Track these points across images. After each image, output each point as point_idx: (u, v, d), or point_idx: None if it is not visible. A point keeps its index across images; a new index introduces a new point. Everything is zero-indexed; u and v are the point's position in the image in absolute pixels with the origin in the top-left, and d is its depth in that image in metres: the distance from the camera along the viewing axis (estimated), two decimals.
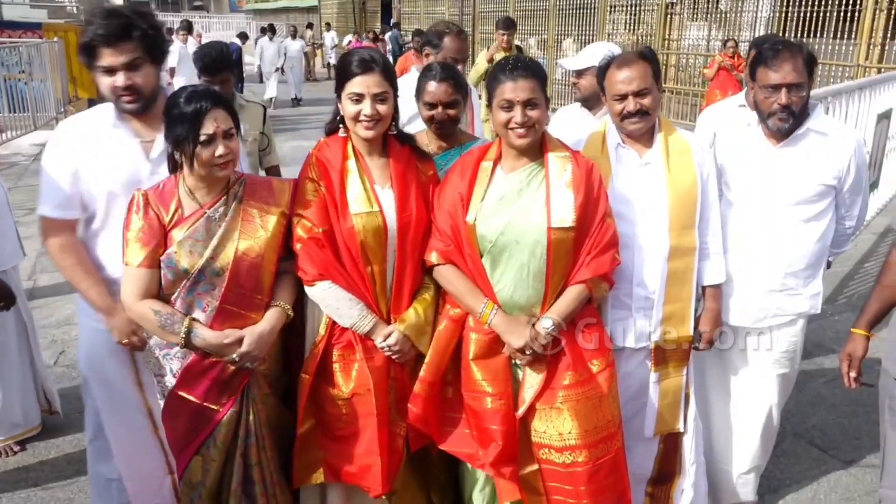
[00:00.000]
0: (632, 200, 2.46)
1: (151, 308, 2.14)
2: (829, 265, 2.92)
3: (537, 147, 2.27)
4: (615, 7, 13.21)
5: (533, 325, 2.22)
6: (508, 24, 6.67)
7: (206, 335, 2.16)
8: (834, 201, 2.65)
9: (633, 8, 12.69)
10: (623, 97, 2.40)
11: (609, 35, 12.99)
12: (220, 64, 3.60)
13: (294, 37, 17.27)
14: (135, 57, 2.20)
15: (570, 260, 2.23)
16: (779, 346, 2.76)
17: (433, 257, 2.31)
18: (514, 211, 2.22)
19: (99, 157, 2.28)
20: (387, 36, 19.14)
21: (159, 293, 2.19)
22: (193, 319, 2.16)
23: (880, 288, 2.43)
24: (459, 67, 3.13)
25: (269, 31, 16.08)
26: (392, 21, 21.15)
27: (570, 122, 3.18)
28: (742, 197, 2.66)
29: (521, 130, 2.18)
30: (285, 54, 16.50)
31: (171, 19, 31.69)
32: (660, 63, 2.58)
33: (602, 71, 2.52)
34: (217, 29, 29.95)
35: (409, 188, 2.31)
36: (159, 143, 2.28)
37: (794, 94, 2.46)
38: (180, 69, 11.38)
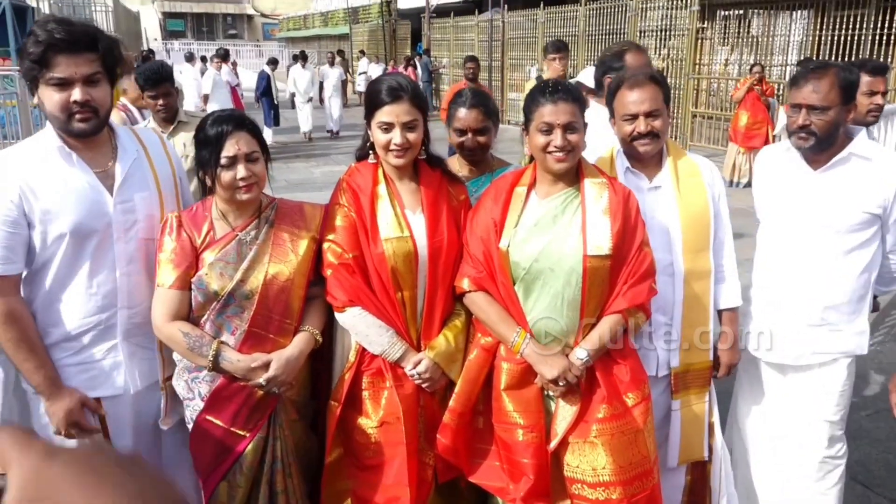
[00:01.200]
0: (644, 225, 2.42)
1: (181, 330, 2.13)
2: (876, 307, 2.79)
3: (573, 173, 2.22)
4: (645, 32, 13.20)
5: (567, 355, 2.16)
6: (559, 48, 5.77)
7: (233, 358, 2.14)
8: (879, 232, 2.52)
9: (664, 33, 12.66)
10: (634, 117, 2.37)
11: None
12: (160, 77, 3.80)
13: (332, 64, 16.40)
14: (96, 70, 1.98)
15: (605, 289, 2.17)
16: (824, 389, 2.58)
17: (465, 284, 2.26)
18: (548, 237, 2.17)
19: (53, 194, 2.01)
20: (418, 62, 19.09)
21: (189, 315, 2.18)
22: (222, 342, 2.15)
23: None
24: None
25: (301, 58, 15.66)
26: (422, 48, 21.38)
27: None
28: (780, 224, 2.58)
29: (559, 154, 2.13)
30: (321, 83, 16.23)
31: (206, 47, 32.50)
32: (670, 88, 2.54)
33: (612, 92, 2.48)
34: (250, 56, 30.58)
35: (440, 213, 2.29)
36: (118, 172, 2.12)
37: (815, 115, 2.39)
38: (214, 96, 11.63)
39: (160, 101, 3.77)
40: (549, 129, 2.13)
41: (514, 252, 2.18)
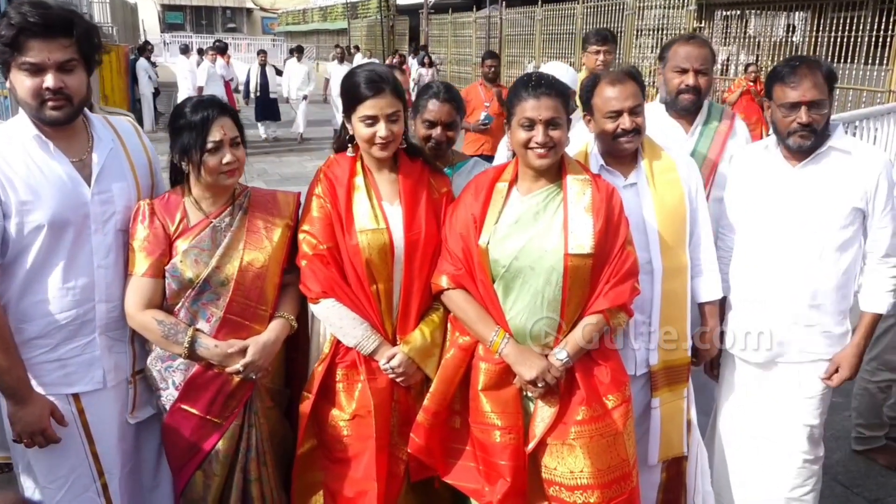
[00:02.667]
0: None
1: (154, 318, 2.12)
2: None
3: (556, 169, 2.18)
4: (642, 31, 13.20)
5: (546, 355, 2.13)
6: (605, 38, 4.62)
7: (209, 345, 2.13)
8: (861, 231, 2.45)
9: (660, 32, 12.65)
10: (618, 114, 2.33)
11: (635, 59, 12.97)
12: None
13: (341, 60, 14.05)
14: (70, 57, 1.91)
15: (587, 288, 2.13)
16: (805, 391, 2.53)
17: (443, 281, 2.22)
18: (529, 235, 2.13)
19: (29, 184, 1.95)
20: (411, 61, 17.93)
21: (163, 304, 2.17)
22: (197, 330, 2.14)
23: None
24: None
25: (297, 52, 14.80)
26: (420, 44, 21.32)
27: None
28: (761, 222, 2.53)
29: (541, 150, 2.09)
30: (326, 80, 14.70)
31: (204, 40, 32.42)
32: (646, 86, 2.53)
33: (589, 88, 2.44)
34: (249, 50, 30.45)
35: (418, 205, 2.26)
36: (95, 162, 2.08)
37: (815, 111, 2.34)
38: (208, 88, 11.62)
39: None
40: (530, 125, 2.09)
41: (494, 249, 2.14)
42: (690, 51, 2.75)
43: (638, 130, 2.35)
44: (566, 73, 3.88)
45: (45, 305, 2.03)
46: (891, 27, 9.87)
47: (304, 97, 13.76)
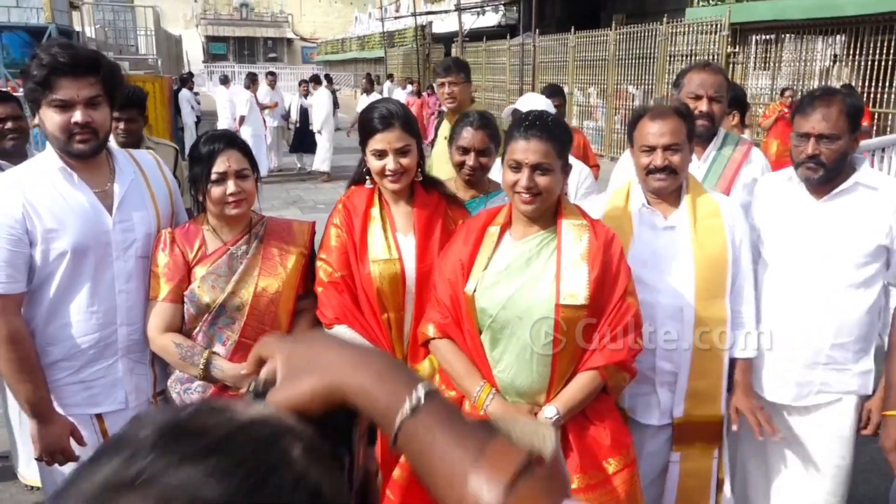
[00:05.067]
0: (654, 266, 2.29)
1: (173, 341, 2.21)
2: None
3: (551, 213, 2.07)
4: (674, 56, 13.16)
5: (535, 414, 1.98)
6: (449, 69, 4.19)
7: (224, 367, 2.21)
8: (884, 268, 2.36)
9: (693, 58, 12.60)
10: (651, 149, 2.26)
11: (668, 85, 12.92)
12: (128, 101, 3.58)
13: (369, 91, 13.21)
14: (97, 93, 2.04)
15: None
16: (829, 431, 2.43)
17: (429, 330, 2.11)
18: (519, 283, 1.99)
19: (54, 213, 2.06)
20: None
21: (182, 328, 2.26)
22: (213, 352, 2.22)
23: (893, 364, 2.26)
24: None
25: (317, 81, 13.81)
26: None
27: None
28: (781, 257, 2.44)
29: (526, 196, 1.97)
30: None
31: (247, 70, 33.26)
32: (695, 122, 2.43)
33: (633, 122, 2.37)
34: (289, 79, 31.22)
35: (432, 236, 2.30)
36: (117, 192, 2.18)
37: (824, 144, 2.28)
38: (249, 118, 11.91)
39: (121, 125, 3.60)
40: (517, 167, 1.98)
41: (481, 297, 2.01)
42: (705, 78, 2.76)
43: (672, 169, 2.25)
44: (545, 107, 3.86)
45: (69, 329, 2.14)
46: None
47: (319, 132, 12.58)
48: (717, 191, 2.66)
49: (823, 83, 11.58)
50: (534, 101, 3.03)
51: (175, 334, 2.23)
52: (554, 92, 4.94)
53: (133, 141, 3.68)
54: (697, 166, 2.78)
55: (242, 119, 11.88)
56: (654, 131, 2.26)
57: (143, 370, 2.31)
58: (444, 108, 6.53)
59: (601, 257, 1.99)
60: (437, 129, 4.44)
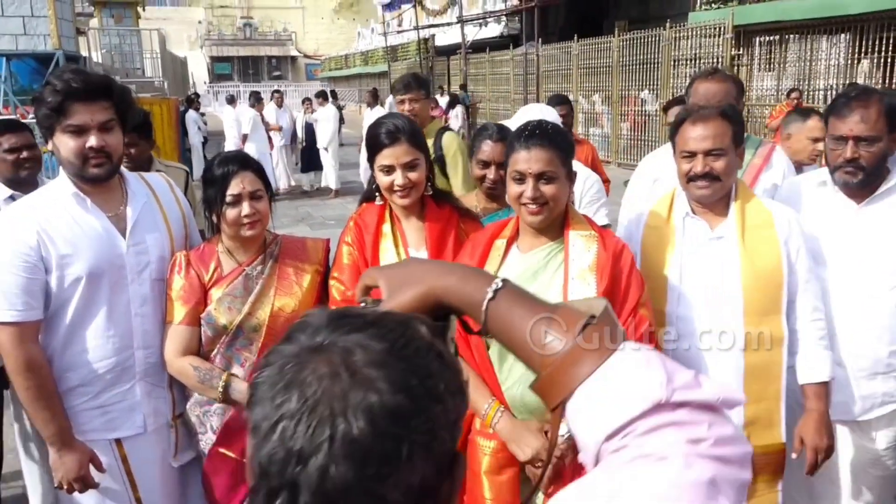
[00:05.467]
0: (699, 281, 2.16)
1: (191, 364, 2.20)
2: None
3: (559, 224, 2.01)
4: (679, 61, 13.15)
5: (545, 432, 1.90)
6: (408, 86, 4.03)
7: (243, 388, 2.19)
8: None
9: (697, 61, 12.60)
10: (692, 155, 2.13)
11: (673, 89, 12.91)
12: (133, 126, 3.55)
13: (372, 105, 12.90)
14: (110, 118, 2.05)
15: None
16: (881, 443, 2.35)
17: None
18: None
19: (68, 238, 2.06)
20: (440, 100, 17.51)
21: (199, 351, 2.25)
22: (231, 374, 2.21)
23: None
24: None
25: (323, 97, 13.41)
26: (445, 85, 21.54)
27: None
28: (824, 266, 2.33)
29: (532, 207, 1.93)
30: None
31: (252, 89, 33.50)
32: (744, 124, 2.30)
33: (675, 125, 2.25)
34: (294, 97, 31.44)
35: (444, 251, 2.28)
36: (130, 215, 2.19)
37: (863, 147, 2.20)
38: (252, 136, 11.97)
39: (130, 150, 3.46)
40: (521, 178, 1.93)
41: None
42: (710, 87, 2.70)
43: (715, 176, 2.11)
44: (550, 116, 3.76)
45: (86, 354, 2.14)
46: None
47: (325, 148, 12.46)
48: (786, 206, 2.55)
49: (831, 82, 11.53)
50: (535, 112, 2.98)
51: (193, 357, 2.22)
52: (560, 101, 4.77)
53: (136, 165, 3.61)
54: None
55: (245, 137, 11.93)
56: (695, 135, 2.13)
57: (162, 393, 2.30)
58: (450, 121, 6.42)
59: (610, 269, 1.93)
60: None
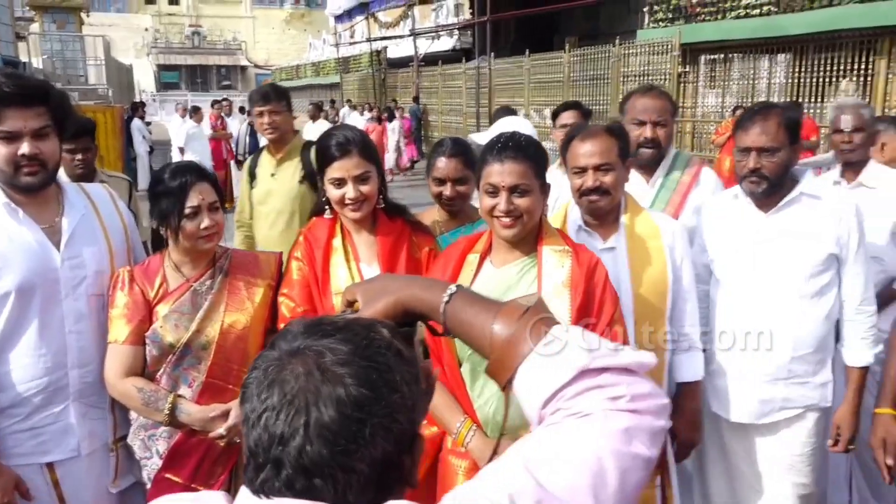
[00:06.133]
0: None
1: (135, 385, 2.09)
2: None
3: (532, 239, 2.00)
4: (627, 77, 13.41)
5: None
6: (267, 97, 3.70)
7: (191, 410, 2.10)
8: (837, 277, 2.39)
9: (646, 77, 12.87)
10: (582, 170, 2.21)
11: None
12: (82, 130, 3.46)
13: (315, 118, 13.11)
14: (45, 124, 1.94)
15: None
16: (792, 448, 2.43)
17: None
18: None
19: None
20: (396, 113, 17.74)
21: (144, 371, 2.14)
22: (178, 395, 2.11)
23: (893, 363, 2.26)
24: None
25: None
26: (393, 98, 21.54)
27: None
28: (734, 274, 2.45)
29: (506, 220, 1.90)
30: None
31: (200, 98, 32.94)
32: (629, 140, 2.40)
33: (565, 143, 2.34)
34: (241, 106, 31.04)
35: (397, 265, 2.23)
36: (66, 227, 2.08)
37: (766, 158, 2.30)
38: (190, 148, 11.77)
39: (77, 156, 3.43)
40: (494, 192, 1.91)
41: None
42: (647, 103, 2.72)
43: (605, 190, 2.20)
44: (526, 129, 3.70)
45: (16, 374, 2.01)
46: (870, 66, 10.08)
47: None
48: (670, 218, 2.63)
49: (773, 100, 11.92)
50: (511, 125, 2.96)
51: (137, 378, 2.11)
52: (571, 106, 4.13)
53: (89, 172, 3.53)
54: (646, 191, 2.75)
55: (181, 150, 11.73)
56: (584, 152, 2.22)
57: (100, 415, 2.18)
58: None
59: (584, 284, 1.92)
60: (252, 167, 3.78)
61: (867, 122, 3.17)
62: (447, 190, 2.55)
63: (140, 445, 2.19)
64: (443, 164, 2.56)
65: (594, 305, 1.94)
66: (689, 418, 2.38)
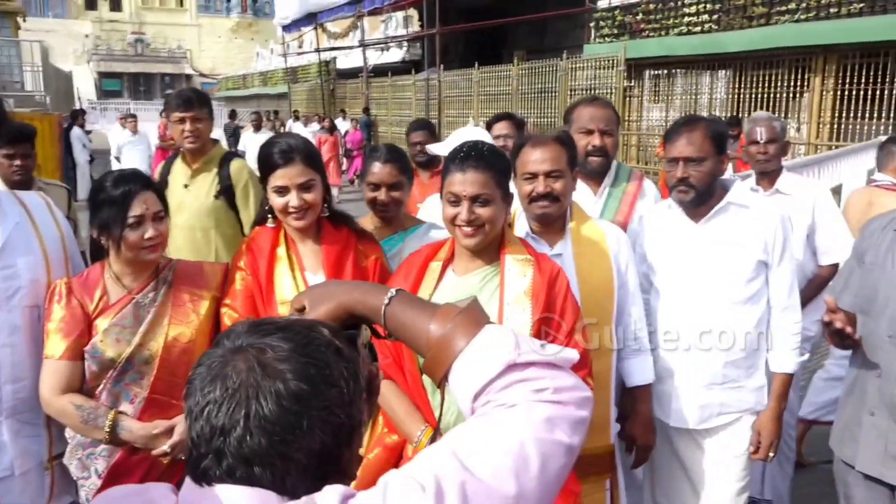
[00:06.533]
0: None
1: (73, 403, 2.00)
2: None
3: (495, 248, 2.00)
4: (575, 91, 13.64)
5: None
6: (190, 102, 3.41)
7: (133, 427, 2.02)
8: (766, 281, 2.45)
9: (593, 91, 13.10)
10: (533, 177, 2.24)
11: None
12: (21, 136, 3.40)
13: (258, 128, 12.80)
14: None
15: None
16: (733, 450, 2.49)
17: None
18: None
19: None
20: (342, 122, 17.81)
21: (82, 387, 2.05)
22: (119, 412, 2.03)
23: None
24: None
25: (228, 117, 12.88)
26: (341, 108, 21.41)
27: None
28: (669, 282, 2.50)
29: (467, 229, 1.91)
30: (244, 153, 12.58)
31: (143, 107, 32.18)
32: (577, 149, 2.45)
33: (515, 151, 2.36)
34: None
35: (343, 273, 2.19)
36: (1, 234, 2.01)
37: (692, 167, 2.37)
38: (126, 156, 11.51)
39: (17, 162, 3.33)
40: (456, 201, 1.92)
41: None
42: (594, 112, 2.75)
43: (555, 196, 2.24)
44: (485, 139, 3.70)
45: None
46: (805, 83, 10.49)
47: None
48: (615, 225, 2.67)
49: (714, 115, 12.26)
50: (469, 134, 2.94)
51: (75, 395, 2.02)
52: (504, 117, 3.89)
53: (27, 179, 3.41)
54: (594, 202, 2.78)
55: (118, 160, 11.46)
56: (535, 158, 2.24)
57: (34, 431, 2.09)
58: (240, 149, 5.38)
59: (545, 294, 1.93)
60: (164, 173, 3.50)
61: (779, 134, 3.40)
62: (382, 195, 2.53)
63: (77, 465, 2.09)
64: (378, 168, 2.54)
65: (556, 315, 1.95)
66: (643, 421, 2.42)
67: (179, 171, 3.41)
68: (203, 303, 2.15)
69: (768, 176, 3.40)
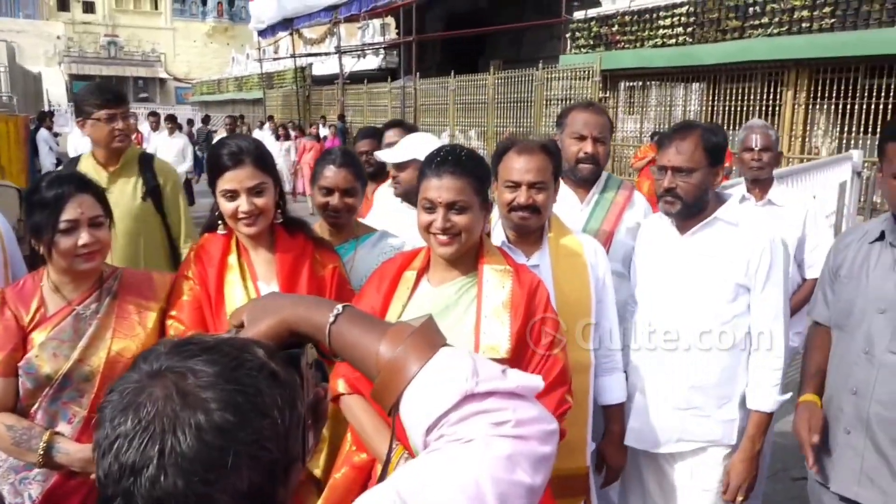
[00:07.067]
0: None
1: (4, 423, 1.86)
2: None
3: (472, 257, 1.91)
4: (550, 101, 13.66)
5: None
6: (120, 99, 3.13)
7: (70, 449, 1.88)
8: (748, 306, 2.29)
9: (568, 101, 13.11)
10: (515, 186, 2.13)
11: (545, 127, 13.36)
12: None
13: (156, 128, 11.82)
14: None
15: None
16: (702, 483, 2.35)
17: (339, 386, 1.89)
18: None
19: None
20: (323, 128, 17.61)
21: (16, 406, 1.91)
22: (55, 433, 1.89)
23: (813, 355, 2.25)
24: None
25: (169, 121, 11.59)
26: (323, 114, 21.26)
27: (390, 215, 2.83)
28: (645, 293, 2.41)
29: (442, 237, 1.82)
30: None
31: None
32: (562, 158, 2.36)
33: (499, 154, 2.24)
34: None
35: (297, 284, 2.07)
36: None
37: (680, 178, 2.24)
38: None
39: None
40: (431, 207, 1.82)
41: None
42: (589, 118, 2.65)
43: (536, 208, 2.14)
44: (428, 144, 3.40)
45: None
46: (777, 97, 10.58)
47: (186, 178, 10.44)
48: (600, 235, 2.59)
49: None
50: (428, 141, 2.81)
51: (7, 414, 1.88)
52: (395, 124, 3.60)
53: None
54: (580, 210, 2.70)
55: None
56: (519, 167, 2.14)
57: None
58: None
59: (524, 306, 1.84)
60: None
61: (773, 143, 3.36)
62: (335, 200, 2.42)
63: (9, 490, 1.93)
64: (332, 172, 2.43)
65: (535, 328, 1.86)
66: (614, 441, 2.36)
67: (92, 175, 2.85)
68: (150, 315, 2.02)
69: (760, 184, 3.35)
